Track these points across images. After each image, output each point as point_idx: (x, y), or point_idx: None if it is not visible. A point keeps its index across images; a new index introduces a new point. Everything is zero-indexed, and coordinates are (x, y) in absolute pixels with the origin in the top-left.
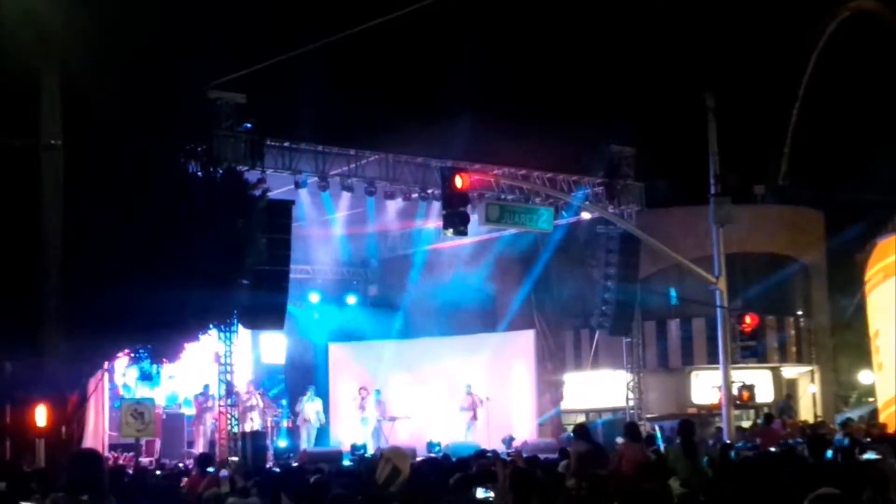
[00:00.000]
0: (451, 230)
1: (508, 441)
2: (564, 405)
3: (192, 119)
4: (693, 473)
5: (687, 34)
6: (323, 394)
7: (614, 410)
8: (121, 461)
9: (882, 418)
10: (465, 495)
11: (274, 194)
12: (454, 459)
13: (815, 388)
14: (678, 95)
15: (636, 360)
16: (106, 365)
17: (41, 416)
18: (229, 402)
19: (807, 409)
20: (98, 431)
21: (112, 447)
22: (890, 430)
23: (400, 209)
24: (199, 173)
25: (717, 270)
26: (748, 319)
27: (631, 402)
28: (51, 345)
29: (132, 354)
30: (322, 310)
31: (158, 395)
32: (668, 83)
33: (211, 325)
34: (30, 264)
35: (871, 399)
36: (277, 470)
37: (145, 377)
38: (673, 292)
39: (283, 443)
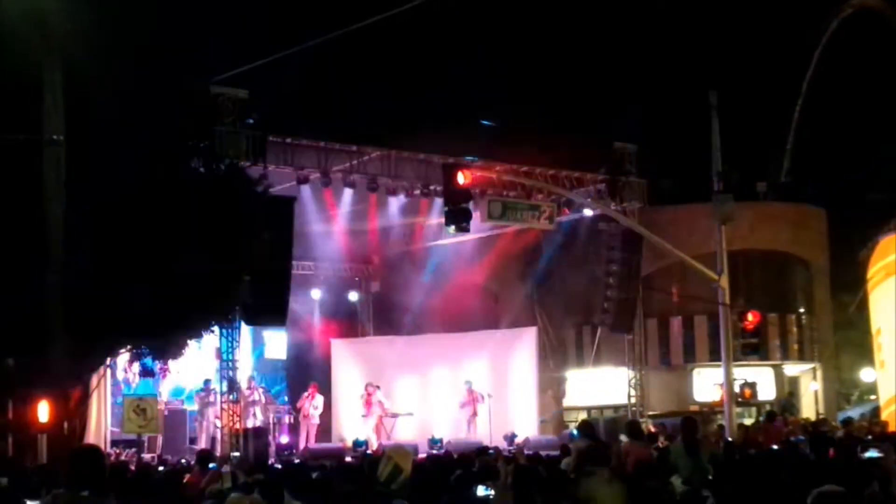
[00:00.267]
0: (453, 227)
1: (510, 438)
2: (566, 402)
3: (194, 115)
4: (695, 471)
5: (690, 32)
6: (324, 390)
7: (616, 408)
8: (123, 457)
9: (884, 416)
10: (465, 493)
11: (276, 190)
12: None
13: (817, 385)
14: (681, 92)
15: (638, 358)
16: (108, 361)
17: (43, 411)
18: (231, 397)
19: (808, 407)
20: (100, 427)
21: (114, 443)
22: (892, 428)
23: (402, 206)
24: (202, 169)
25: (719, 268)
26: (750, 317)
27: (633, 400)
28: (53, 341)
29: (134, 351)
30: (324, 306)
31: (163, 390)
32: (671, 80)
33: (213, 323)
34: (32, 260)
35: (872, 397)
36: (279, 466)
37: (147, 373)
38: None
39: (284, 439)
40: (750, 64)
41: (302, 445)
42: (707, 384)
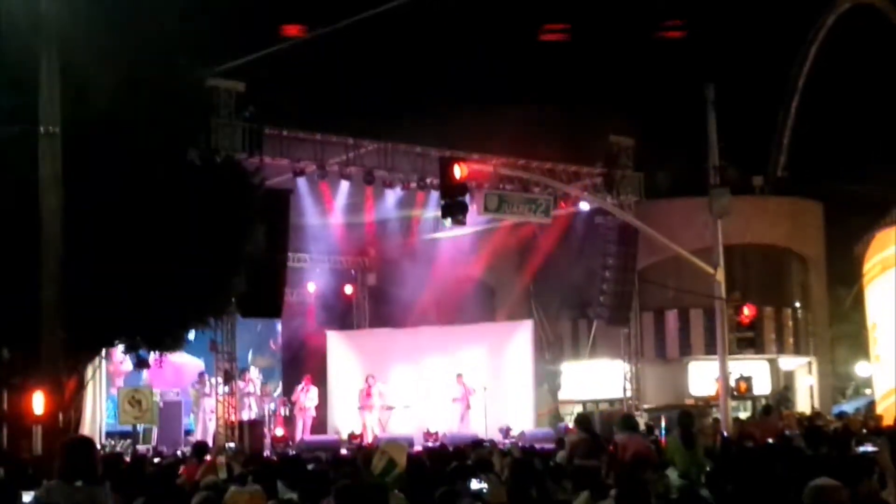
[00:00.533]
0: (449, 220)
1: (506, 431)
2: (562, 395)
3: (190, 107)
4: (691, 464)
5: (687, 26)
6: (320, 383)
7: (611, 401)
8: (118, 449)
9: (879, 410)
10: (459, 487)
11: (272, 183)
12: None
13: (812, 379)
14: (678, 87)
15: (634, 351)
16: (104, 352)
17: (38, 402)
18: (226, 389)
19: (804, 401)
20: (95, 418)
21: (109, 434)
22: (887, 422)
23: (399, 198)
24: (198, 162)
25: (715, 261)
26: (746, 310)
27: (628, 393)
28: (49, 332)
29: (130, 343)
30: (320, 299)
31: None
32: (667, 74)
33: (208, 315)
34: (28, 251)
35: (868, 391)
36: (275, 458)
37: (142, 364)
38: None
39: (279, 431)
40: (746, 58)
41: (297, 437)
42: (703, 378)
